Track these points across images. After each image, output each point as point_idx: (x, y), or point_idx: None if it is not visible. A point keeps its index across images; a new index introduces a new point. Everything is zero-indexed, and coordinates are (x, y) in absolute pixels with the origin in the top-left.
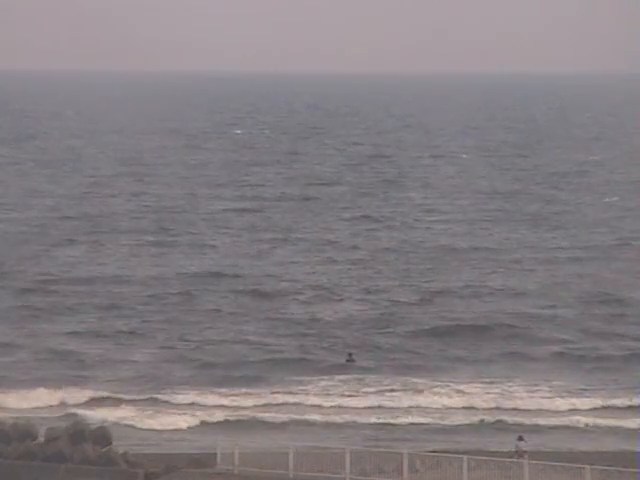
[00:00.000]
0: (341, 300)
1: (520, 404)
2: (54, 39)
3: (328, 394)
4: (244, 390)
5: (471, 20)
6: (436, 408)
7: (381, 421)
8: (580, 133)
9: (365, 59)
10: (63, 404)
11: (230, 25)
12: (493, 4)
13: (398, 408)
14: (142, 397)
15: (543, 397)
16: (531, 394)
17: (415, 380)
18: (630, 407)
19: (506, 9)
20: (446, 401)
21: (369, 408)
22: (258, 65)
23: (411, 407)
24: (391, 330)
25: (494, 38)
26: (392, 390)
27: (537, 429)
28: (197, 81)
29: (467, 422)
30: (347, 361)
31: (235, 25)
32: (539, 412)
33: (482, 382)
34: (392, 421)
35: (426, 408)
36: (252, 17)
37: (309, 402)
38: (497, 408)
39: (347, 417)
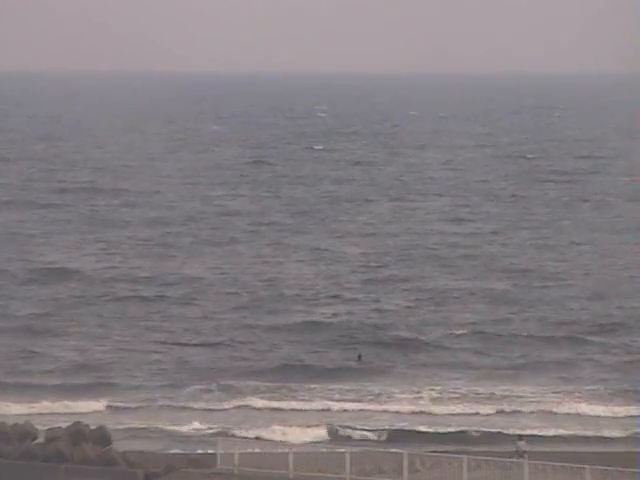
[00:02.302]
0: (343, 301)
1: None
2: (41, 39)
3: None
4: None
5: (470, 19)
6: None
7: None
8: (578, 133)
9: (364, 59)
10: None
11: (227, 24)
12: (493, 3)
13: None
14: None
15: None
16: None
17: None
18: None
19: (504, 8)
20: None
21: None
22: (255, 65)
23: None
24: (399, 330)
25: (493, 38)
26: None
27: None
28: (195, 81)
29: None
30: (356, 361)
31: (231, 24)
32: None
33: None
34: None
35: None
36: (246, 16)
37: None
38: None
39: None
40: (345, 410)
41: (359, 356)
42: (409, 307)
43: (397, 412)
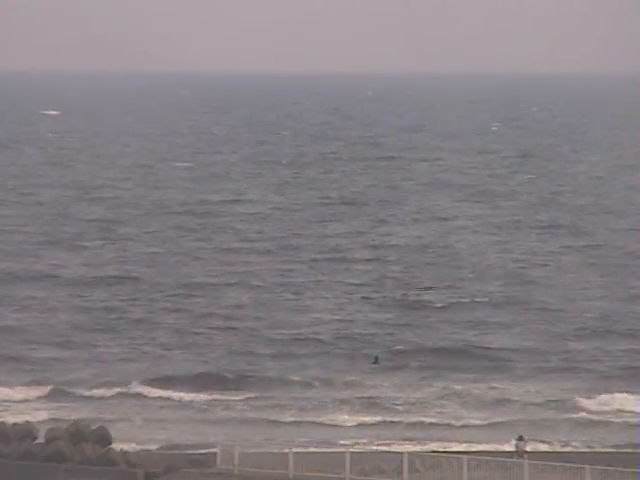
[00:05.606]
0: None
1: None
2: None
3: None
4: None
5: (467, 17)
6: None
7: None
8: (578, 135)
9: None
10: None
11: (227, 24)
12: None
13: None
14: None
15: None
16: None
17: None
18: None
19: (500, 6)
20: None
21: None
22: (252, 65)
23: None
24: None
25: (489, 37)
26: None
27: None
28: (197, 81)
29: None
30: (373, 363)
31: (230, 24)
32: None
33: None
34: None
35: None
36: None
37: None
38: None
39: None
40: None
41: (376, 358)
42: (418, 309)
43: None
